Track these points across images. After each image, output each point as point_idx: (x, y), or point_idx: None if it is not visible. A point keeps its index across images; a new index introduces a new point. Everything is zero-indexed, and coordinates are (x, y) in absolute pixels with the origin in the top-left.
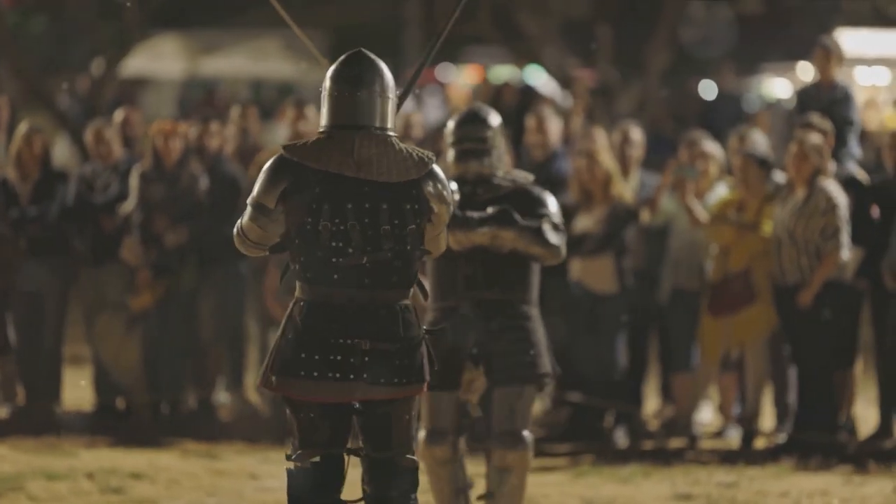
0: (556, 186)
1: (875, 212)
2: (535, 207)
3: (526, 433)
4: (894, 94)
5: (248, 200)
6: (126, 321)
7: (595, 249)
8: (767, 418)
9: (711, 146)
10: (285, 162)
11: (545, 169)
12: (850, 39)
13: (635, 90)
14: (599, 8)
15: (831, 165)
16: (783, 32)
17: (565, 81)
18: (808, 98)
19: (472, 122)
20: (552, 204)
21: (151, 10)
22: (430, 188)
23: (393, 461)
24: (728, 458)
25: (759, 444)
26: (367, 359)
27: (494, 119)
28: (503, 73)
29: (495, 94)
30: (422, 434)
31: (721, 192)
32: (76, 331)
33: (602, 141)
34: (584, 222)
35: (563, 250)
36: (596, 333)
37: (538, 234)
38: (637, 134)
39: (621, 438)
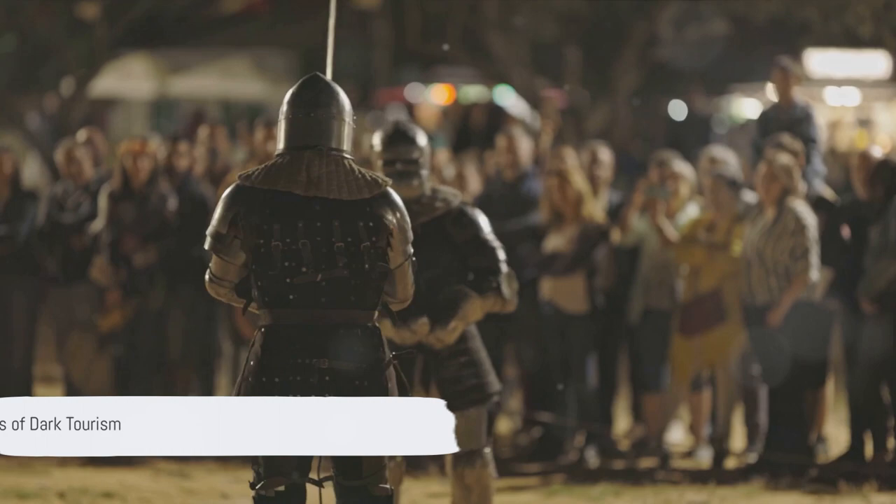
0: (527, 206)
1: (845, 232)
2: (468, 229)
3: (486, 450)
4: (862, 114)
5: (207, 232)
6: (96, 341)
7: (566, 269)
8: (738, 438)
9: (682, 166)
10: (239, 189)
11: (516, 189)
12: (820, 60)
13: (604, 111)
14: (568, 29)
15: (802, 185)
16: (753, 53)
17: (534, 102)
18: (768, 120)
19: (401, 142)
20: (485, 224)
21: (121, 29)
22: (385, 212)
23: (365, 489)
24: (699, 477)
25: (730, 463)
26: (326, 378)
27: (422, 138)
28: (473, 93)
29: (464, 115)
30: None
31: (692, 212)
32: (46, 350)
33: (572, 161)
34: (555, 242)
35: (515, 298)
36: (566, 353)
37: (498, 294)
38: (606, 154)
39: (592, 458)
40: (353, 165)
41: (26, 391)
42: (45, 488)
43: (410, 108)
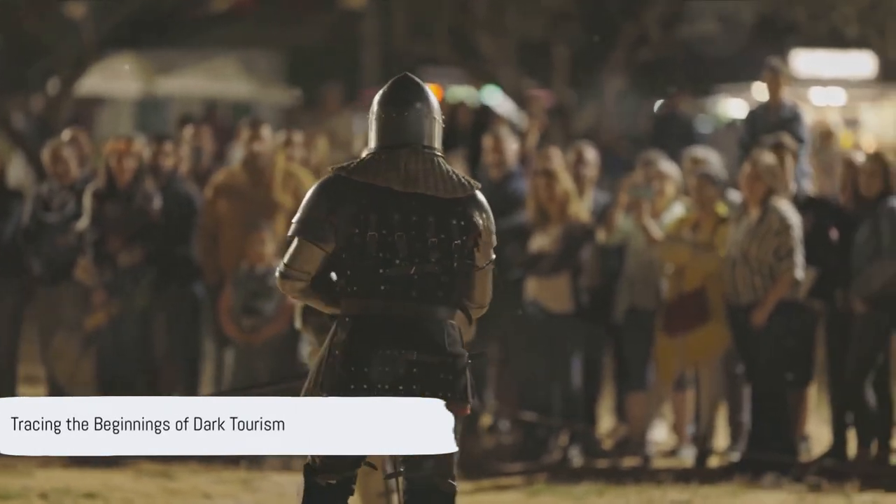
0: (513, 206)
1: (833, 233)
2: None
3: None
4: (848, 114)
5: (294, 221)
6: (81, 341)
7: (551, 269)
8: (721, 437)
9: (668, 166)
10: (334, 179)
11: (502, 188)
12: (806, 61)
13: (591, 110)
14: (556, 28)
15: (792, 185)
16: (739, 53)
17: (521, 101)
18: (756, 120)
19: None
20: None
21: (107, 30)
22: (474, 214)
23: (430, 482)
24: (682, 476)
25: (713, 462)
26: (413, 370)
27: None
28: (460, 93)
29: (451, 114)
30: None
31: (678, 211)
32: (31, 350)
33: (558, 160)
34: (540, 242)
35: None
36: (551, 352)
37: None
38: (592, 154)
39: (576, 457)
40: (445, 165)
41: (10, 391)
42: (27, 489)
43: None
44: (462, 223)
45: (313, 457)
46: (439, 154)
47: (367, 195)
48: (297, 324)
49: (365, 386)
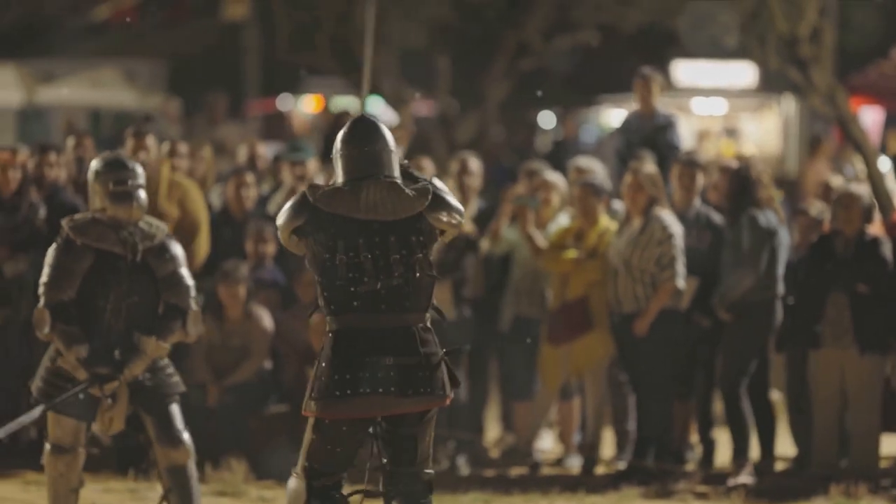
0: None
1: (703, 241)
2: (168, 265)
3: (185, 435)
4: (729, 124)
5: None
6: None
7: None
8: (608, 446)
9: (553, 176)
10: (306, 202)
11: None
12: (687, 70)
13: (474, 120)
14: (438, 38)
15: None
16: (620, 63)
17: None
18: (631, 129)
19: (126, 166)
20: (183, 261)
21: None
22: (433, 218)
23: (415, 475)
24: (569, 485)
25: (600, 471)
26: (392, 373)
27: (140, 169)
28: (343, 103)
29: (334, 124)
30: (47, 447)
31: (564, 221)
32: None
33: (430, 171)
34: None
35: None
36: None
37: (183, 332)
38: (475, 163)
39: (463, 466)
40: (402, 187)
41: None
42: None
43: (282, 118)
44: (421, 238)
45: (311, 462)
46: (398, 179)
47: (333, 224)
48: (45, 330)
49: (349, 391)
